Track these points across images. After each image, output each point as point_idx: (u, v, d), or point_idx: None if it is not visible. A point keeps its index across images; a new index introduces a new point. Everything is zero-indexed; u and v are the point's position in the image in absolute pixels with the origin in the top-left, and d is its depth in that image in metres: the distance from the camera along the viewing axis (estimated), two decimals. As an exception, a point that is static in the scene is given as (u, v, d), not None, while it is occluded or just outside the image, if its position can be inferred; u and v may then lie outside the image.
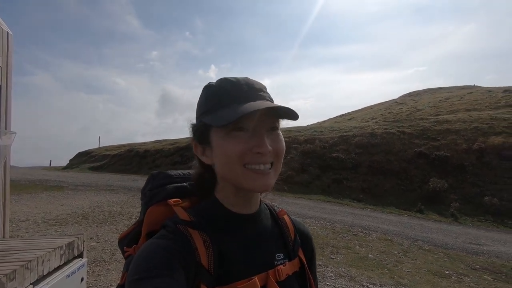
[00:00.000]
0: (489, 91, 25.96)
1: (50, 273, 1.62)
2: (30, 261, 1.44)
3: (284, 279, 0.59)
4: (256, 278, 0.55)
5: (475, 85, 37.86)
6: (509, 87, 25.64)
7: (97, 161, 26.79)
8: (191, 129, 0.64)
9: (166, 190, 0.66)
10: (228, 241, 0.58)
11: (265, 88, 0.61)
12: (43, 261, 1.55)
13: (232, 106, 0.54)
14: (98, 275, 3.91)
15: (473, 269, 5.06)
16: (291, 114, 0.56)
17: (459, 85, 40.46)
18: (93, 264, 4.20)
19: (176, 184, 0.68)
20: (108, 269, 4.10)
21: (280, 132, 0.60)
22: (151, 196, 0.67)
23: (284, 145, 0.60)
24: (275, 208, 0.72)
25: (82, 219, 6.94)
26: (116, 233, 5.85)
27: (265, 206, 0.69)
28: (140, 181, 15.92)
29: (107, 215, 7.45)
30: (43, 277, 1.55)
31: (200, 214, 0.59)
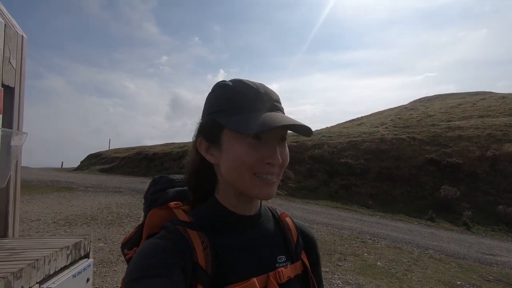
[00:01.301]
0: (503, 97, 25.36)
1: (56, 273, 1.63)
2: (37, 260, 1.46)
3: (285, 282, 0.58)
4: (254, 280, 0.54)
5: (489, 91, 37.06)
6: (524, 93, 24.99)
7: (107, 163, 27.19)
8: (198, 124, 0.63)
9: (167, 193, 0.67)
10: (227, 242, 0.57)
11: (279, 98, 0.62)
12: (49, 261, 1.56)
13: (257, 113, 0.54)
14: (105, 276, 3.93)
15: (486, 280, 4.89)
16: (306, 131, 0.56)
17: (470, 91, 39.69)
18: (100, 265, 4.23)
19: (177, 188, 0.69)
20: (115, 270, 4.13)
21: (286, 144, 0.60)
22: (152, 200, 0.67)
23: (289, 156, 0.60)
24: (277, 211, 0.71)
25: (91, 220, 7.02)
26: (124, 234, 5.90)
27: (267, 208, 0.69)
28: (148, 183, 16.02)
29: (115, 216, 7.52)
30: (49, 276, 1.56)
31: (200, 216, 0.59)
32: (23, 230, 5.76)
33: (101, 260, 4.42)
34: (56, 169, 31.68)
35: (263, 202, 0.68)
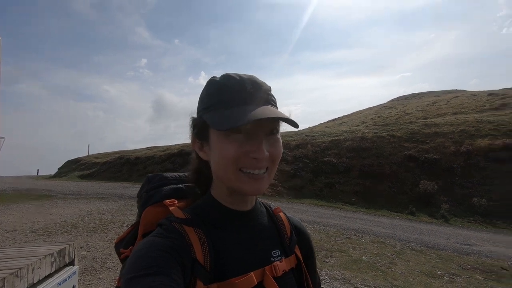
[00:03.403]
0: (474, 95, 26.70)
1: (40, 281, 1.58)
2: (20, 268, 1.41)
3: (281, 275, 0.59)
4: (252, 274, 0.55)
5: (462, 89, 38.88)
6: (492, 90, 26.44)
7: (87, 169, 26.30)
8: (191, 122, 0.63)
9: (162, 191, 0.66)
10: (224, 237, 0.58)
11: (270, 89, 0.60)
12: (33, 269, 1.51)
13: (234, 108, 0.53)
14: (89, 284, 3.81)
15: (464, 269, 5.13)
16: (292, 123, 0.55)
17: (444, 89, 41.48)
18: (84, 274, 4.10)
19: (172, 186, 0.68)
20: (99, 278, 4.01)
21: (279, 136, 0.59)
22: (147, 197, 0.67)
23: (281, 149, 0.59)
24: (271, 206, 0.72)
25: (71, 228, 6.77)
26: (107, 241, 5.73)
27: (261, 203, 0.70)
28: (131, 188, 15.67)
29: (97, 223, 7.29)
30: (33, 285, 1.51)
31: (195, 212, 0.59)
32: (-2, 242, 5.48)
33: (84, 268, 4.28)
34: (31, 177, 30.27)
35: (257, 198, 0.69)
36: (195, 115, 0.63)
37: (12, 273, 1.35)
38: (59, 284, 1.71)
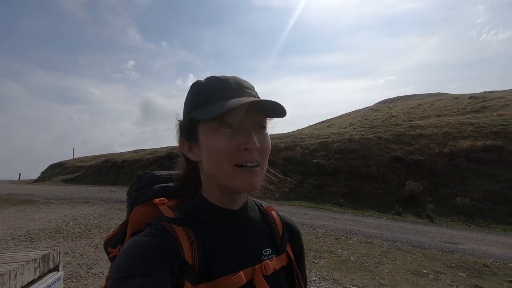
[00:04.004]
0: (457, 98, 27.61)
1: (24, 287, 1.53)
2: (1, 275, 1.36)
3: (271, 274, 0.59)
4: (241, 273, 0.55)
5: (444, 92, 40.10)
6: (473, 94, 27.39)
7: (71, 173, 25.63)
8: (178, 125, 0.63)
9: (152, 190, 0.65)
10: (213, 237, 0.57)
11: (253, 87, 0.61)
12: (15, 275, 1.46)
13: (220, 102, 0.54)
14: (74, 291, 3.71)
15: (448, 267, 5.27)
16: (279, 110, 0.55)
17: (427, 92, 42.72)
18: (69, 280, 3.98)
19: (162, 184, 0.67)
20: (85, 284, 3.91)
21: (267, 132, 0.59)
22: (137, 196, 0.66)
23: (270, 145, 0.59)
24: (263, 205, 0.72)
25: (55, 233, 6.58)
26: (93, 246, 5.59)
27: (253, 202, 0.69)
28: (118, 192, 15.35)
29: (83, 228, 7.11)
30: (16, 292, 1.46)
31: (185, 212, 0.59)
32: (-23, 249, 5.25)
33: (69, 274, 4.16)
34: (12, 182, 29.23)
35: (250, 196, 0.69)
36: (181, 119, 0.63)
37: (-7, 280, 1.31)
38: (43, 290, 1.66)
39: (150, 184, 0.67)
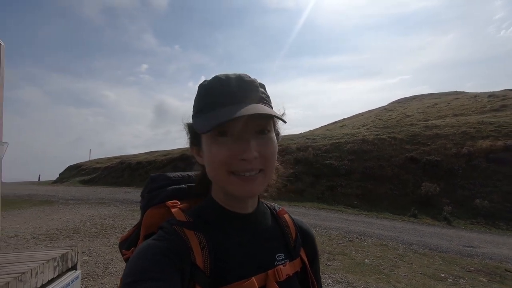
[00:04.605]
0: (475, 96, 26.73)
1: (43, 286, 1.58)
2: (23, 273, 1.41)
3: (284, 280, 0.58)
4: (253, 279, 0.54)
5: (462, 91, 38.92)
6: (493, 92, 26.45)
7: (88, 174, 26.33)
8: (186, 129, 0.64)
9: (165, 192, 0.66)
10: (225, 241, 0.56)
11: (259, 86, 0.58)
12: (36, 273, 1.51)
13: (217, 109, 0.52)
14: (91, 289, 3.80)
15: (468, 271, 5.09)
16: (276, 116, 0.53)
17: (444, 91, 41.55)
18: (86, 279, 4.09)
19: (175, 186, 0.68)
20: (101, 283, 4.00)
21: (272, 135, 0.56)
22: (150, 198, 0.66)
23: (275, 148, 0.56)
24: (276, 208, 0.70)
25: (73, 233, 6.77)
26: (109, 246, 5.72)
27: (265, 205, 0.68)
28: (132, 193, 15.66)
29: (99, 228, 7.29)
30: (36, 290, 1.51)
31: (197, 215, 0.59)
32: None
33: (86, 273, 4.27)
34: (33, 183, 30.30)
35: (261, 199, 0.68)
36: (189, 122, 0.63)
37: (16, 278, 1.36)
38: (62, 288, 1.71)
39: (163, 186, 0.68)
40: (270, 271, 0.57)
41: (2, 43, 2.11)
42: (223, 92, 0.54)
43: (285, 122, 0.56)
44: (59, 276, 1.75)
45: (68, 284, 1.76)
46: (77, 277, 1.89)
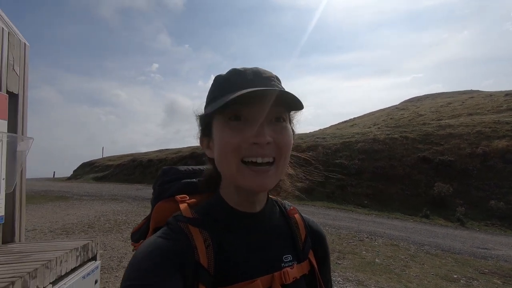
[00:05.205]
0: (491, 95, 25.99)
1: (67, 274, 1.66)
2: (50, 260, 1.49)
3: (291, 283, 0.55)
4: (259, 280, 0.52)
5: (476, 90, 37.92)
6: (510, 91, 25.65)
7: (101, 171, 26.90)
8: (197, 121, 0.63)
9: (175, 185, 0.66)
10: (231, 240, 0.55)
11: (275, 77, 0.57)
12: (61, 262, 1.59)
13: (231, 93, 0.50)
14: (106, 282, 3.93)
15: (481, 273, 5.01)
16: (294, 101, 0.51)
17: (458, 90, 40.53)
18: (101, 272, 4.21)
19: (186, 180, 0.67)
20: (116, 276, 4.12)
21: (287, 125, 0.55)
22: (160, 191, 0.67)
23: (290, 138, 0.54)
24: (286, 206, 0.67)
25: (88, 228, 6.97)
26: (123, 241, 5.87)
27: (275, 203, 0.66)
28: (143, 190, 15.95)
29: (112, 223, 7.48)
30: (61, 277, 1.59)
31: (204, 212, 0.57)
32: (19, 240, 5.69)
33: (101, 267, 4.39)
34: (48, 179, 31.17)
35: (271, 196, 0.66)
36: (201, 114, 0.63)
37: (43, 265, 1.44)
38: (83, 277, 1.79)
39: (174, 179, 0.68)
40: (276, 273, 0.55)
41: (27, 44, 2.21)
42: (239, 80, 0.54)
43: (301, 108, 0.54)
44: (81, 265, 1.83)
45: (89, 273, 1.85)
46: (97, 267, 1.97)
